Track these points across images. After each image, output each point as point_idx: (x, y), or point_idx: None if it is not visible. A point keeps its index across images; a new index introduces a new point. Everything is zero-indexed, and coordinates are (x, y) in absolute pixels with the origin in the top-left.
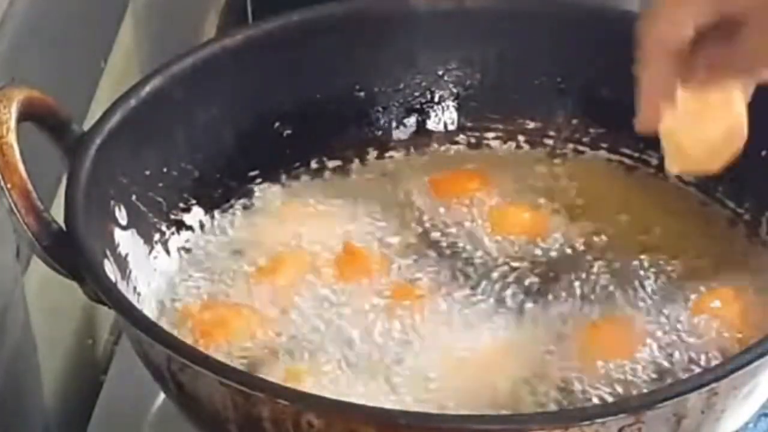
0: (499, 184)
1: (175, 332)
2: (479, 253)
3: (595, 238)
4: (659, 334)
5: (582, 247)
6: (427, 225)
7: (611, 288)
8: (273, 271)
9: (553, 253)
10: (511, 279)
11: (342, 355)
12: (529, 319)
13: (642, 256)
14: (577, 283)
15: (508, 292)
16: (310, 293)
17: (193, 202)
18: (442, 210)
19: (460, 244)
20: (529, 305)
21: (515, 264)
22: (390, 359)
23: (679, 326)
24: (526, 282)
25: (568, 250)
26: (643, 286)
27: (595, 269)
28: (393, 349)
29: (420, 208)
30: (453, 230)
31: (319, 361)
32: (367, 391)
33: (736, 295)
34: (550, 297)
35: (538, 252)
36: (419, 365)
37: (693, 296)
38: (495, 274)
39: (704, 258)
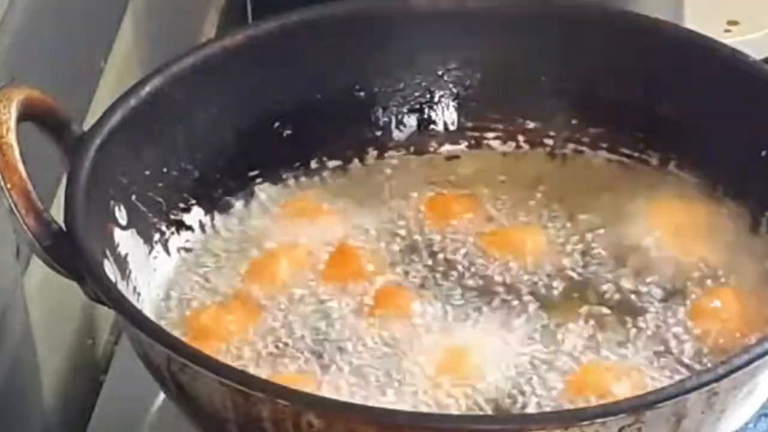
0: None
1: (174, 332)
2: (477, 259)
3: (594, 238)
4: (659, 333)
5: (581, 246)
6: (426, 228)
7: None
8: (267, 267)
9: (551, 253)
10: (507, 280)
11: (329, 356)
12: (525, 319)
13: (641, 257)
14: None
15: (505, 295)
16: (303, 292)
17: (193, 202)
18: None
19: (458, 249)
20: (527, 306)
21: (512, 264)
22: (376, 362)
23: (679, 326)
24: (520, 282)
25: (566, 250)
26: (642, 286)
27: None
28: (379, 352)
29: (418, 212)
30: (450, 234)
31: (304, 363)
32: (352, 393)
33: (736, 295)
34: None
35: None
36: (404, 368)
37: (693, 296)
38: (495, 278)
39: (704, 258)
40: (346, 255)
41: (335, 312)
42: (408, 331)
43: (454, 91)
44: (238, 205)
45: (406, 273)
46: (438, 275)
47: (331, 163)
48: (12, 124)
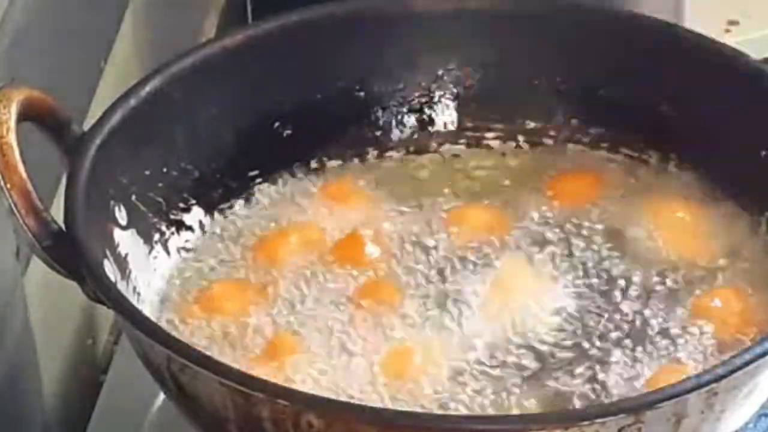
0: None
1: (175, 332)
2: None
3: (593, 238)
4: (659, 333)
5: (582, 246)
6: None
7: (610, 287)
8: (273, 242)
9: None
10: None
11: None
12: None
13: (641, 257)
14: (576, 282)
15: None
16: (301, 269)
17: (193, 202)
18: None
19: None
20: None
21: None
22: (344, 351)
23: (678, 326)
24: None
25: (566, 250)
26: (642, 286)
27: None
28: (336, 335)
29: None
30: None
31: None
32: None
33: (736, 294)
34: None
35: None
36: (347, 358)
37: (693, 296)
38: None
39: (704, 258)
40: (353, 241)
41: (316, 291)
42: (374, 324)
43: (454, 91)
44: (238, 205)
45: (406, 269)
46: (436, 280)
47: (331, 163)
48: (12, 124)
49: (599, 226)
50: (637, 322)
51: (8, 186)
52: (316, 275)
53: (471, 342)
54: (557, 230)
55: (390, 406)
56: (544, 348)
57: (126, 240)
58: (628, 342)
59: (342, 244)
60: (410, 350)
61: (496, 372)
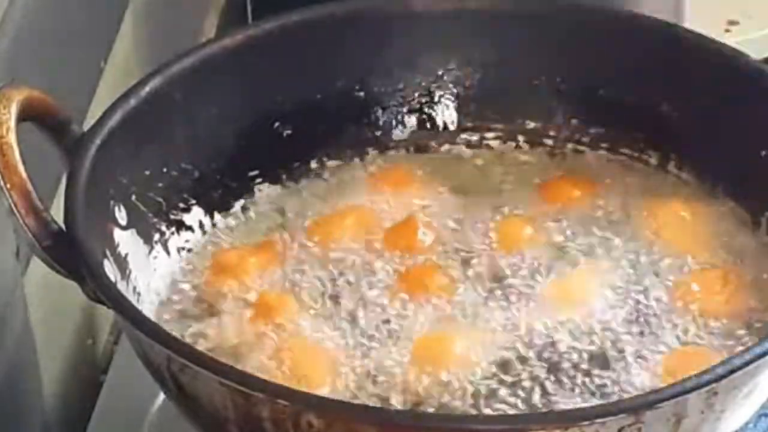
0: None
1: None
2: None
3: (593, 238)
4: (658, 333)
5: (582, 245)
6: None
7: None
8: (329, 222)
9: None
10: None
11: (332, 311)
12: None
13: (640, 256)
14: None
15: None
16: (353, 246)
17: (193, 202)
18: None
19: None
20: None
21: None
22: (373, 334)
23: (678, 326)
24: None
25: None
26: (642, 285)
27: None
28: (375, 318)
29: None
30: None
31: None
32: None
33: (736, 294)
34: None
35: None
36: (393, 351)
37: (693, 296)
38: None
39: (704, 258)
40: (408, 226)
41: (365, 271)
42: (413, 311)
43: (454, 91)
44: (238, 205)
45: (454, 259)
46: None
47: (331, 163)
48: (12, 124)
49: (598, 227)
50: (637, 321)
51: (8, 186)
52: (364, 258)
53: (508, 339)
54: (556, 230)
55: (418, 390)
56: (549, 350)
57: (126, 240)
58: (628, 340)
59: (396, 229)
60: (444, 338)
61: (528, 372)
